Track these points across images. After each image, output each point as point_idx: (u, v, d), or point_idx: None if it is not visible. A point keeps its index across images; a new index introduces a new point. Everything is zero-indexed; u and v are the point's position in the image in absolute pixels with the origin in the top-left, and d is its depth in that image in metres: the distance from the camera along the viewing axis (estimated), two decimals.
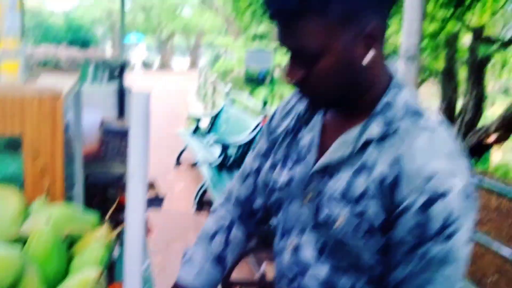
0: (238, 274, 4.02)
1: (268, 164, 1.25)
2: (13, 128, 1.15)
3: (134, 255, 1.00)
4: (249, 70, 10.74)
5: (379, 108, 1.05)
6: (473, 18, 8.38)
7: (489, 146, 10.64)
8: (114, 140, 2.35)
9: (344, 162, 1.06)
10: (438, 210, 0.95)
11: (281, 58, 17.90)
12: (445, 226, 0.96)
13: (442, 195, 0.95)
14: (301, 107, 1.22)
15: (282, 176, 1.18)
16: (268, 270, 4.04)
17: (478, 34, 9.17)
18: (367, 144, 1.04)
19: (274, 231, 1.28)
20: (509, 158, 13.54)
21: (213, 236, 1.32)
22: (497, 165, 11.93)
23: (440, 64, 11.30)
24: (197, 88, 19.31)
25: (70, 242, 1.18)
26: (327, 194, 1.07)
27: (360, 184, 1.03)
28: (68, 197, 1.81)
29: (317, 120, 1.16)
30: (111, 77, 2.68)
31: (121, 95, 2.73)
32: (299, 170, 1.15)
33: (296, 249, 1.14)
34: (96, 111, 2.43)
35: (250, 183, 1.34)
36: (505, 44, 9.27)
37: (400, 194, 0.98)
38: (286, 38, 1.02)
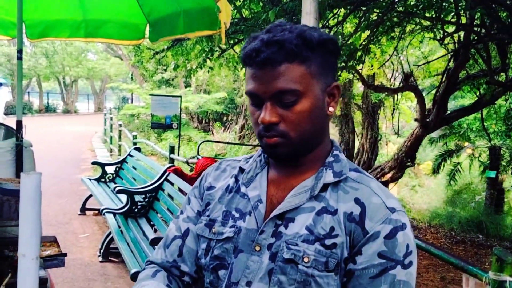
0: None
1: (205, 221, 1.28)
2: None
3: None
4: (156, 115, 10.63)
5: (330, 160, 1.21)
6: (365, 68, 8.89)
7: (386, 183, 11.18)
8: (10, 201, 2.23)
9: (301, 208, 1.15)
10: (402, 239, 1.09)
11: (188, 103, 18.00)
12: (407, 253, 1.09)
13: (402, 227, 1.10)
14: (234, 171, 1.33)
15: (227, 229, 1.21)
16: None
17: (370, 82, 9.73)
18: (323, 190, 1.17)
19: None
20: (404, 194, 14.24)
21: (153, 275, 1.29)
22: None
23: (337, 109, 11.82)
24: (102, 133, 18.82)
25: None
26: (288, 236, 1.13)
27: (326, 223, 1.12)
28: None
29: (261, 179, 1.25)
30: (7, 134, 2.56)
31: (19, 153, 2.60)
32: (248, 222, 1.19)
33: None
34: None
35: (177, 245, 1.32)
36: (394, 91, 9.88)
37: (368, 224, 1.10)
38: (270, 83, 1.11)
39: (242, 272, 1.16)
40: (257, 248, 1.16)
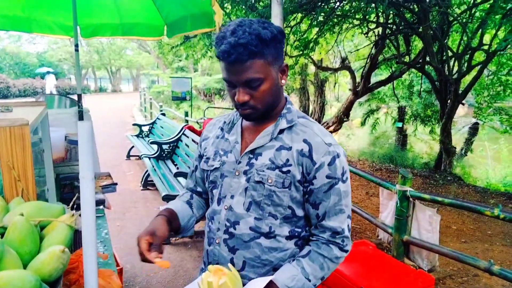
0: None
1: (204, 159, 1.28)
2: None
3: (89, 230, 0.94)
4: (175, 91, 10.43)
5: (284, 112, 1.18)
6: (315, 55, 8.75)
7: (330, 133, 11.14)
8: (75, 148, 2.19)
9: (265, 146, 1.15)
10: (339, 164, 1.11)
11: (196, 83, 17.66)
12: (343, 172, 1.12)
13: (337, 155, 1.11)
14: (220, 124, 1.31)
15: (216, 162, 1.22)
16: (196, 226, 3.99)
17: (319, 64, 9.59)
18: (280, 133, 1.15)
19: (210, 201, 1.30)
20: (342, 140, 14.30)
21: (181, 195, 1.37)
22: None
23: (297, 84, 11.72)
24: (139, 104, 18.48)
25: (42, 227, 1.08)
26: (257, 165, 1.13)
27: (283, 156, 1.12)
28: (43, 191, 1.67)
29: (237, 128, 1.23)
30: (72, 103, 2.48)
31: (80, 115, 2.54)
32: (230, 156, 1.19)
33: (230, 208, 1.17)
34: (62, 128, 2.24)
35: (194, 176, 1.38)
36: (335, 70, 9.78)
37: (315, 157, 1.10)
38: (241, 74, 1.06)
39: (228, 189, 1.18)
40: (237, 173, 1.16)
